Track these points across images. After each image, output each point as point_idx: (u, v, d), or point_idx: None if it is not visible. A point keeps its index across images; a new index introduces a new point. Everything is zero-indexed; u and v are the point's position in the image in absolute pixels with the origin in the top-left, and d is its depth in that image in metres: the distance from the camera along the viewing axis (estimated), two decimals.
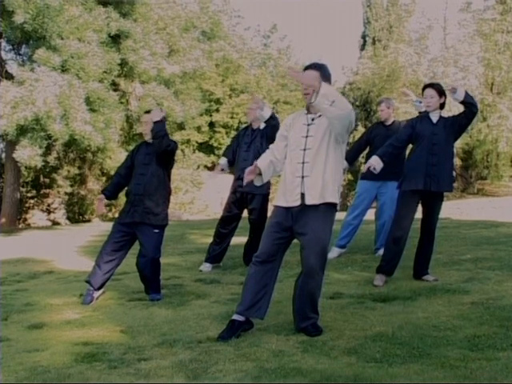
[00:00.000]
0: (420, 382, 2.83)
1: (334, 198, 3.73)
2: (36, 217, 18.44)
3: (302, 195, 3.70)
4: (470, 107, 4.88)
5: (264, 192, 5.95)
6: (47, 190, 18.30)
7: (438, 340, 3.43)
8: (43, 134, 10.35)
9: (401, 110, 16.83)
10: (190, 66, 13.11)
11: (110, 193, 5.24)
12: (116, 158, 13.27)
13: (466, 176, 21.93)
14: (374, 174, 5.36)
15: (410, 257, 5.28)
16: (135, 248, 5.11)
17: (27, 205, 18.09)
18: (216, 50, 15.25)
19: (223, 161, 6.36)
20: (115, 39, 11.76)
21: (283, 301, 4.25)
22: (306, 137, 3.74)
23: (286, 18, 60.88)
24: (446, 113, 5.14)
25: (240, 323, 3.74)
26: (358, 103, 22.45)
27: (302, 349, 3.43)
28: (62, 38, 10.55)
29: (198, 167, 21.69)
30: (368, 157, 6.05)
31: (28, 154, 10.27)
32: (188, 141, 22.51)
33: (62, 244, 9.59)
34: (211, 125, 23.69)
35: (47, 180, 18.06)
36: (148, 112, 5.20)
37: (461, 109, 5.02)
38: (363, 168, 5.35)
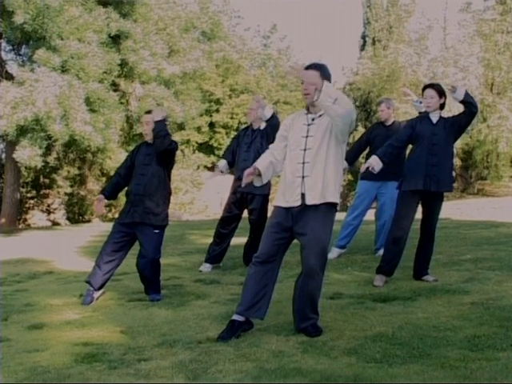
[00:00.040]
0: (420, 382, 2.83)
1: (335, 198, 3.73)
2: (36, 217, 18.44)
3: (303, 195, 3.70)
4: (470, 107, 4.88)
5: (264, 192, 5.95)
6: (47, 191, 18.31)
7: (438, 340, 3.43)
8: (43, 135, 10.34)
9: (401, 110, 16.85)
10: (190, 66, 13.10)
11: (109, 193, 5.24)
12: (116, 158, 13.27)
13: (466, 176, 21.93)
14: (374, 175, 5.36)
15: (409, 257, 5.28)
16: (135, 248, 5.10)
17: (27, 205, 18.09)
18: (216, 50, 15.24)
19: (222, 163, 6.35)
20: (115, 40, 11.75)
21: (283, 301, 4.25)
22: (306, 137, 3.74)
23: (285, 18, 60.95)
24: (446, 113, 5.14)
25: (240, 323, 3.74)
26: (357, 103, 22.46)
27: (301, 349, 3.43)
28: (62, 39, 10.54)
29: (198, 168, 21.71)
30: (368, 157, 6.04)
31: (28, 154, 10.27)
32: (188, 141, 22.52)
33: (61, 244, 9.59)
34: (211, 125, 23.70)
35: (47, 180, 18.07)
36: (149, 112, 5.20)
37: (461, 109, 5.02)
38: (362, 167, 5.35)
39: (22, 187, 16.97)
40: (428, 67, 20.41)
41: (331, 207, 3.74)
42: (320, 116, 3.75)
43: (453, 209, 12.13)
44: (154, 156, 5.04)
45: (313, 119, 3.77)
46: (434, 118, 4.99)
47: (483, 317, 3.85)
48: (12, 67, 13.53)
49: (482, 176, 21.70)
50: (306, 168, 3.71)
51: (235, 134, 7.21)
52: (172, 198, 5.32)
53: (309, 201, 3.68)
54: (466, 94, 4.85)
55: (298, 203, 3.71)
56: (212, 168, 20.58)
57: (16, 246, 9.57)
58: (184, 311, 4.50)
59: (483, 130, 19.41)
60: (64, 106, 10.05)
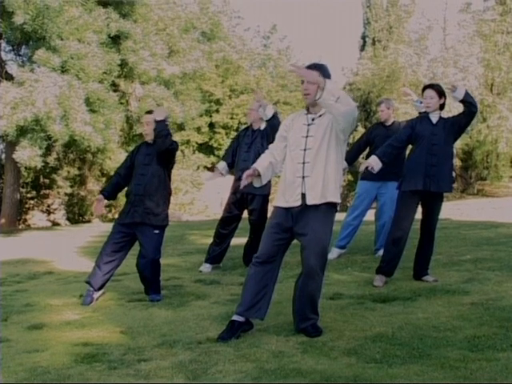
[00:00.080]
0: (420, 382, 2.83)
1: (336, 198, 3.73)
2: (36, 217, 18.44)
3: (303, 195, 3.70)
4: (470, 107, 4.88)
5: (264, 193, 5.95)
6: (47, 191, 18.31)
7: (438, 341, 3.43)
8: (43, 135, 10.34)
9: (401, 110, 16.85)
10: (189, 66, 13.10)
11: (109, 193, 5.24)
12: (116, 158, 13.28)
13: (466, 177, 21.93)
14: (374, 175, 5.37)
15: (409, 257, 5.28)
16: (135, 249, 5.10)
17: (27, 205, 18.10)
18: (216, 50, 15.25)
19: (222, 165, 6.35)
20: (115, 40, 11.75)
21: (283, 301, 4.25)
22: (306, 137, 3.74)
23: (285, 18, 60.96)
24: (445, 113, 5.15)
25: (240, 324, 3.74)
26: (357, 104, 22.40)
27: (301, 349, 3.43)
28: (62, 39, 10.54)
29: (198, 168, 21.71)
30: (368, 157, 6.05)
31: (28, 154, 10.27)
32: (188, 141, 22.52)
33: (61, 245, 9.59)
34: (211, 125, 23.71)
35: (47, 181, 18.07)
36: (149, 112, 5.20)
37: (461, 109, 5.02)
38: (361, 167, 5.35)
39: (22, 187, 16.97)
40: (428, 67, 20.41)
41: (331, 207, 3.74)
42: (320, 116, 3.76)
43: (453, 209, 12.13)
44: (154, 156, 5.04)
45: (313, 119, 3.77)
46: (434, 118, 4.99)
47: (483, 317, 3.85)
48: (12, 67, 13.56)
49: (482, 176, 21.70)
50: (307, 168, 3.71)
51: (235, 134, 7.21)
52: (172, 198, 5.32)
53: (309, 201, 3.68)
54: (466, 94, 4.86)
55: (299, 203, 3.71)
56: (212, 168, 20.59)
57: (16, 247, 9.57)
58: (184, 311, 4.50)
59: (483, 131, 19.41)
60: (64, 107, 10.06)
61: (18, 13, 10.02)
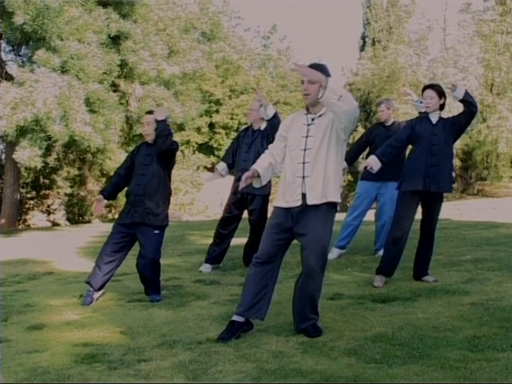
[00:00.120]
0: (420, 382, 2.83)
1: (336, 197, 3.73)
2: (36, 218, 18.44)
3: (303, 195, 3.70)
4: (470, 106, 4.89)
5: (264, 193, 5.95)
6: (47, 191, 18.31)
7: (438, 341, 3.43)
8: (43, 135, 10.34)
9: (401, 110, 16.86)
10: (189, 67, 13.10)
11: (109, 193, 5.24)
12: (116, 158, 13.28)
13: (466, 177, 21.93)
14: (374, 175, 5.37)
15: (409, 258, 5.28)
16: (135, 249, 5.10)
17: (27, 206, 18.10)
18: (216, 51, 15.25)
19: (221, 166, 6.34)
20: (115, 40, 11.75)
21: (283, 302, 4.25)
22: (306, 137, 3.74)
23: (285, 18, 60.97)
24: (445, 113, 5.15)
25: (240, 324, 3.74)
26: (357, 104, 22.45)
27: (301, 350, 3.43)
28: (62, 39, 10.54)
29: (198, 168, 21.71)
30: (368, 158, 6.05)
31: (28, 154, 10.27)
32: (188, 142, 22.53)
33: (61, 245, 9.59)
34: (211, 126, 23.72)
35: (47, 181, 18.07)
36: (149, 113, 5.20)
37: (461, 110, 5.02)
38: (360, 166, 5.35)
39: (22, 188, 16.97)
40: (428, 68, 20.42)
41: (332, 207, 3.74)
42: (320, 116, 3.76)
43: (453, 209, 12.14)
44: (154, 156, 5.04)
45: (312, 119, 3.77)
46: (434, 118, 4.99)
47: (483, 317, 3.85)
48: (12, 68, 13.56)
49: (482, 176, 21.71)
50: (307, 168, 3.71)
51: (235, 134, 7.20)
52: (172, 198, 5.32)
53: (310, 201, 3.68)
54: (466, 93, 4.86)
55: (299, 203, 3.70)
56: (212, 169, 20.60)
57: (16, 247, 9.57)
58: (184, 312, 4.50)
59: (483, 131, 19.42)
60: (64, 107, 10.06)
61: (18, 13, 10.02)
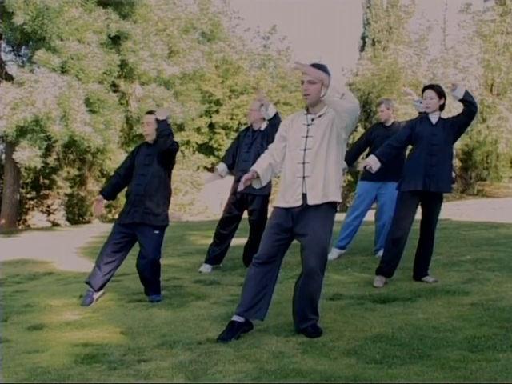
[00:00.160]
0: (420, 382, 2.83)
1: (337, 197, 3.73)
2: (36, 218, 18.44)
3: (304, 195, 3.70)
4: (470, 106, 4.89)
5: (264, 193, 5.94)
6: (47, 191, 18.31)
7: (438, 341, 3.43)
8: (43, 135, 10.35)
9: (400, 111, 16.86)
10: (189, 67, 13.11)
11: (108, 193, 5.24)
12: (116, 159, 13.28)
13: (466, 177, 21.93)
14: (374, 175, 5.36)
15: (409, 258, 5.28)
16: (135, 249, 5.10)
17: (27, 206, 18.09)
18: (216, 51, 15.26)
19: (221, 167, 6.34)
20: (115, 40, 11.76)
21: (283, 302, 4.25)
22: (306, 137, 3.74)
23: (285, 18, 60.98)
24: (445, 114, 5.15)
25: (240, 324, 3.74)
26: None
27: (301, 350, 3.43)
28: (62, 40, 10.55)
29: (198, 168, 21.71)
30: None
31: (28, 155, 10.27)
32: (188, 142, 22.53)
33: (61, 245, 9.59)
34: (211, 126, 23.72)
35: (47, 181, 18.07)
36: (150, 113, 5.20)
37: (461, 110, 5.02)
38: (359, 166, 5.35)
39: (22, 188, 16.98)
40: (428, 68, 20.43)
41: (332, 207, 3.74)
42: (320, 116, 3.76)
43: (453, 209, 12.13)
44: (154, 156, 5.04)
45: (312, 119, 3.77)
46: (434, 118, 4.99)
47: (483, 318, 3.85)
48: (12, 68, 13.58)
49: (482, 177, 21.71)
50: (307, 168, 3.71)
51: (235, 134, 7.19)
52: (172, 198, 5.31)
53: (310, 201, 3.68)
54: (466, 93, 4.86)
55: (299, 203, 3.70)
56: (212, 169, 20.60)
57: (16, 247, 9.57)
58: (184, 312, 4.50)
59: (483, 131, 19.42)
60: (64, 107, 10.06)
61: (18, 13, 10.02)
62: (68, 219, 18.21)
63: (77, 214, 18.26)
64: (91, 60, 10.66)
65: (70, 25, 10.61)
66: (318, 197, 3.67)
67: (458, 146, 18.63)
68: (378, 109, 6.79)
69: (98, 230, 11.74)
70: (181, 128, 15.42)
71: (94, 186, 18.08)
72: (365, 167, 5.03)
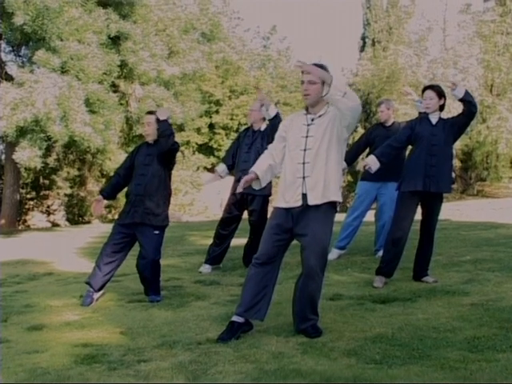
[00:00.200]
0: (420, 383, 2.83)
1: (337, 197, 3.73)
2: (35, 218, 18.43)
3: (304, 195, 3.70)
4: (469, 106, 4.89)
5: (264, 193, 5.94)
6: (47, 192, 18.30)
7: (438, 341, 3.43)
8: (43, 136, 10.35)
9: (400, 111, 16.86)
10: (189, 67, 13.11)
11: (108, 193, 5.24)
12: (116, 159, 13.27)
13: (466, 177, 21.93)
14: (374, 175, 5.36)
15: (409, 258, 5.28)
16: (135, 249, 5.10)
17: (27, 206, 18.08)
18: (216, 51, 15.26)
19: (221, 167, 6.34)
20: (115, 41, 11.76)
21: (283, 302, 4.25)
22: (306, 137, 3.74)
23: (285, 19, 60.95)
24: (445, 114, 5.15)
25: (239, 325, 3.74)
26: None
27: (301, 350, 3.42)
28: (62, 40, 10.55)
29: (198, 169, 21.70)
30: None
31: (27, 155, 10.27)
32: (188, 142, 22.51)
33: (61, 245, 9.59)
34: (211, 126, 23.70)
35: (47, 181, 18.06)
36: (150, 113, 5.20)
37: (461, 110, 5.02)
38: (358, 166, 5.35)
39: (22, 188, 16.97)
40: (428, 68, 20.43)
41: (332, 207, 3.74)
42: (320, 116, 3.76)
43: (452, 210, 12.13)
44: (154, 156, 5.04)
45: (312, 119, 3.77)
46: (434, 118, 4.99)
47: (483, 318, 3.85)
48: (12, 68, 13.58)
49: (482, 177, 21.70)
50: (307, 168, 3.71)
51: (235, 135, 7.20)
52: (172, 199, 5.31)
53: (311, 201, 3.68)
54: (466, 93, 4.86)
55: (299, 204, 3.70)
56: (212, 169, 20.59)
57: (16, 247, 9.57)
58: (184, 312, 4.50)
59: (483, 131, 19.42)
60: (64, 107, 10.06)
61: (18, 14, 10.02)
62: (68, 219, 18.20)
63: (77, 214, 18.25)
64: (91, 60, 10.66)
65: (69, 25, 10.61)
66: (318, 197, 3.67)
67: (458, 146, 18.64)
68: (377, 109, 6.79)
69: (98, 230, 11.74)
70: (181, 128, 15.42)
71: (93, 186, 18.07)
72: (364, 167, 5.03)
